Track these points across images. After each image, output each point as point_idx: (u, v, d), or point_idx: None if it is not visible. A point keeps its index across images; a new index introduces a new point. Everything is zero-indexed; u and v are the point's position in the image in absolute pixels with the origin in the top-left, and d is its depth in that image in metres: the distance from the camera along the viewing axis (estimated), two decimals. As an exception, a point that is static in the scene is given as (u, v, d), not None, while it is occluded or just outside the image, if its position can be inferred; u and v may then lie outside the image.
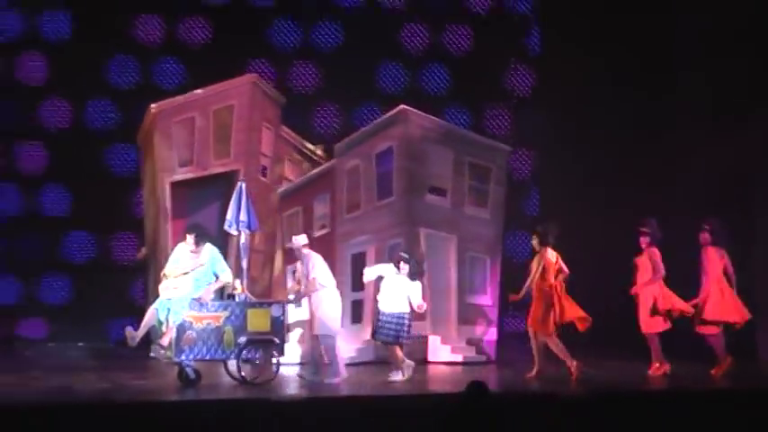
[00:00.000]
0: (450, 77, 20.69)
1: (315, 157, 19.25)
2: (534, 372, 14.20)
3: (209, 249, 13.78)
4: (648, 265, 14.63)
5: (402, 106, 17.15)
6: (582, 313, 14.08)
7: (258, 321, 13.57)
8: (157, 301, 13.68)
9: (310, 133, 20.07)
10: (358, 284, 16.32)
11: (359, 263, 16.86)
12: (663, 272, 14.49)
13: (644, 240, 14.70)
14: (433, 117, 17.60)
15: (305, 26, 20.33)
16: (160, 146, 18.10)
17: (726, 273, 14.37)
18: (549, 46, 20.83)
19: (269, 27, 20.12)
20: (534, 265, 14.41)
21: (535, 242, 14.52)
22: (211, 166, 17.96)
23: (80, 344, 18.66)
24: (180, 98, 18.11)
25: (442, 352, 16.62)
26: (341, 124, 20.23)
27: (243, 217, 14.37)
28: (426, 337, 16.69)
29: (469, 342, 16.91)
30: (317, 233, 17.96)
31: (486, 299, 17.37)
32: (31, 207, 19.61)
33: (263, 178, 18.18)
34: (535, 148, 19.89)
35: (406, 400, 12.76)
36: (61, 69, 19.25)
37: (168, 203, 17.87)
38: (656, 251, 14.60)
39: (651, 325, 14.53)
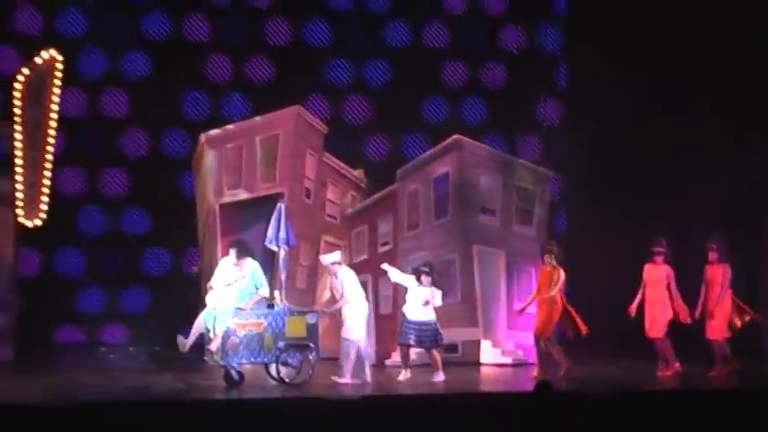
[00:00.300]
0: (487, 109, 21.04)
1: (355, 180, 19.35)
2: (563, 371, 14.63)
3: (251, 264, 14.17)
4: (663, 280, 15.03)
5: (456, 136, 17.62)
6: (580, 323, 14.80)
7: (295, 328, 13.84)
8: (205, 310, 14.06)
9: (359, 160, 20.00)
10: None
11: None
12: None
13: (660, 258, 15.11)
14: (484, 145, 18.13)
15: (357, 64, 20.79)
16: (210, 171, 18.31)
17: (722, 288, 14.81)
18: (574, 81, 21.11)
19: (324, 65, 20.62)
20: (544, 279, 14.97)
21: (549, 258, 14.98)
22: (258, 189, 18.00)
23: (156, 348, 18.92)
24: (230, 127, 18.47)
25: (492, 355, 16.95)
26: (389, 152, 20.76)
27: (282, 234, 14.59)
28: (479, 342, 17.18)
29: (517, 346, 17.24)
30: (381, 249, 18.19)
31: (531, 307, 17.15)
32: (113, 226, 20.01)
33: (306, 200, 18.24)
34: (563, 173, 19.98)
35: (459, 398, 13.20)
36: (140, 103, 19.74)
37: (218, 223, 18.05)
38: (670, 268, 15.08)
39: (657, 329, 14.98)
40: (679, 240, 16.48)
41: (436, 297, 14.44)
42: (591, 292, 17.22)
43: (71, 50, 18.97)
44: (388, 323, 17.85)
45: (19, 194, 17.04)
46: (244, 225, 17.45)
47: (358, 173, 19.38)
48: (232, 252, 14.37)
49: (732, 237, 16.19)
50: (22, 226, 17.32)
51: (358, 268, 17.38)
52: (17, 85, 17.12)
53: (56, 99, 17.16)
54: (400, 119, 20.74)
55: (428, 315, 14.39)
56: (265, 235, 14.80)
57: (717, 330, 14.90)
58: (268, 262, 15.23)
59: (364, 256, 18.38)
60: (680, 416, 11.59)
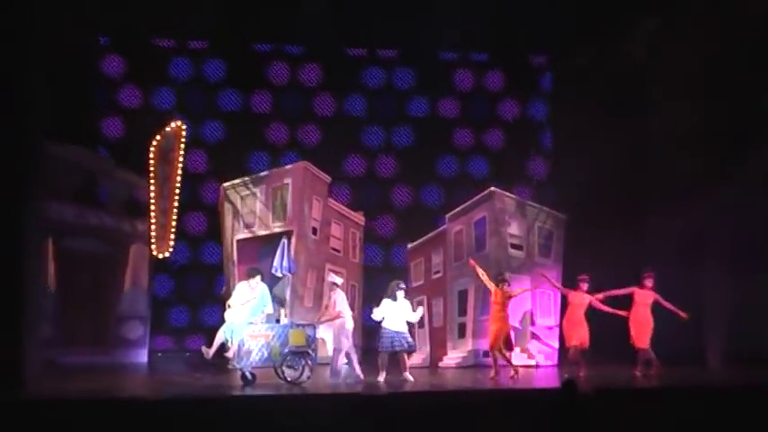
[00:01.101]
0: (489, 166, 22.06)
1: (356, 220, 19.54)
2: (493, 374, 14.82)
3: (261, 287, 14.46)
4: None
5: (491, 188, 18.32)
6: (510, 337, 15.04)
7: (297, 339, 14.09)
8: (224, 324, 14.26)
9: (386, 206, 20.92)
10: (462, 311, 17.69)
11: (463, 297, 17.68)
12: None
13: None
14: (513, 195, 18.62)
15: (386, 130, 21.86)
16: (229, 213, 18.59)
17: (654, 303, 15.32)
18: (557, 144, 22.00)
19: (361, 130, 21.76)
20: (497, 299, 15.05)
21: (503, 285, 15.20)
22: (271, 227, 18.04)
23: (158, 354, 19.82)
24: (249, 178, 18.62)
25: (520, 358, 17.24)
26: (412, 199, 21.80)
27: (285, 263, 15.33)
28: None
29: (540, 352, 17.75)
30: (434, 276, 18.81)
31: (550, 321, 18.10)
32: (195, 257, 21.00)
33: (313, 236, 18.22)
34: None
35: (498, 393, 13.52)
36: (216, 161, 20.73)
37: (235, 255, 18.23)
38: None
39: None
40: (638, 269, 16.62)
41: (417, 312, 14.65)
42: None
43: (162, 119, 19.15)
44: (439, 333, 18.66)
45: (153, 233, 17.83)
46: (259, 256, 17.53)
47: (358, 214, 19.78)
48: (247, 277, 14.67)
49: (679, 266, 17.08)
50: (154, 258, 18.13)
51: (416, 291, 18.72)
52: (152, 149, 17.97)
53: (181, 159, 18.00)
54: (420, 173, 21.78)
55: (403, 326, 14.49)
56: (271, 264, 15.36)
57: (643, 340, 15.38)
58: (275, 285, 15.61)
59: (421, 282, 19.20)
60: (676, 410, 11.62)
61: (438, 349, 18.44)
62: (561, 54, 21.37)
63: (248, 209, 18.40)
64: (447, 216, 19.00)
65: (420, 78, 21.95)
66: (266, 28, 19.82)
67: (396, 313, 14.48)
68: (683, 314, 15.40)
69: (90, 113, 20.08)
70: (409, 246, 19.75)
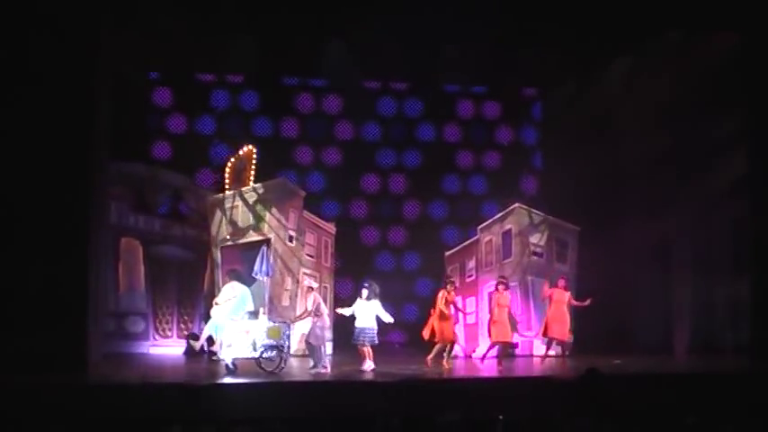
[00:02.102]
0: (487, 184, 22.05)
1: (328, 230, 19.11)
2: (429, 359, 15.01)
3: (242, 288, 14.77)
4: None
5: (516, 204, 18.72)
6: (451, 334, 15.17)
7: (273, 334, 14.06)
8: (210, 320, 14.68)
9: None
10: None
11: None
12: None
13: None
14: (535, 210, 18.73)
15: (398, 152, 21.81)
16: (214, 222, 18.31)
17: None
18: (546, 164, 22.06)
19: (376, 153, 21.56)
20: (439, 301, 15.26)
21: (450, 287, 15.51)
22: (252, 236, 17.76)
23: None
24: (231, 192, 18.22)
25: (541, 349, 17.51)
26: (420, 213, 21.74)
27: (264, 268, 14.96)
28: (532, 341, 18.07)
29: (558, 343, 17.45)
30: (467, 279, 18.93)
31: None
32: None
33: (290, 243, 17.83)
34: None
35: (521, 379, 14.13)
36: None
37: (219, 259, 18.00)
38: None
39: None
40: (614, 272, 18.26)
41: (379, 309, 14.48)
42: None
43: (205, 143, 20.56)
44: (472, 329, 18.70)
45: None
46: (241, 261, 17.18)
47: (329, 225, 19.27)
48: (229, 279, 15.02)
49: (650, 270, 18.15)
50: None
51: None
52: (227, 169, 18.56)
53: (252, 177, 18.30)
54: (428, 191, 21.80)
55: (372, 323, 14.41)
56: (252, 268, 15.33)
57: (564, 333, 16.04)
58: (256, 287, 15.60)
59: (456, 284, 18.03)
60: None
61: (472, 342, 18.58)
62: (549, 87, 21.52)
63: (232, 219, 18.17)
64: (479, 228, 19.25)
65: (427, 108, 22.01)
66: (294, 64, 19.87)
67: (362, 311, 14.49)
68: (585, 303, 16.15)
69: (143, 138, 20.40)
70: (447, 253, 19.88)
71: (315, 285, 15.30)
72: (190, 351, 17.17)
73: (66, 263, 13.54)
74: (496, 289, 16.07)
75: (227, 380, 13.30)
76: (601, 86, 19.45)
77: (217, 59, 19.16)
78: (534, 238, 18.55)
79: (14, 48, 13.54)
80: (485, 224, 19.16)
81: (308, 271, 18.04)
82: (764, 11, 15.62)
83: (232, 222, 18.16)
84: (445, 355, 15.31)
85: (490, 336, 16.05)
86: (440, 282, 17.12)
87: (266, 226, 17.74)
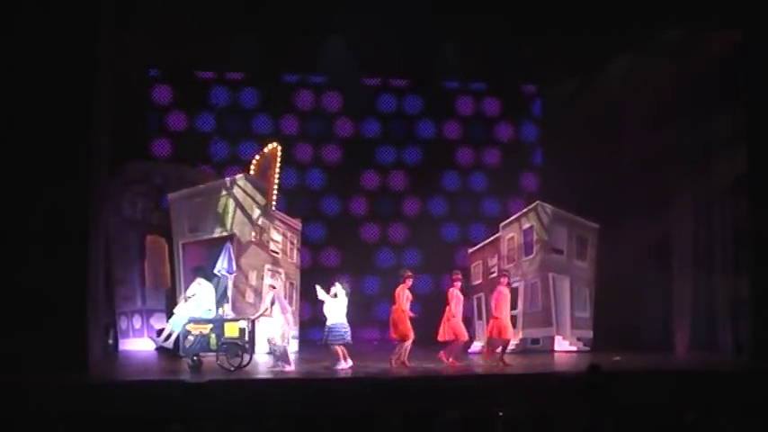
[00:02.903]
0: (487, 181, 22.16)
1: (293, 225, 18.87)
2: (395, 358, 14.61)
3: (205, 284, 14.91)
4: (460, 296, 15.47)
5: (537, 202, 18.77)
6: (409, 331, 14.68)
7: (231, 331, 14.19)
8: (172, 318, 14.87)
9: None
10: (513, 305, 17.11)
11: (514, 294, 17.46)
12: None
13: (458, 284, 15.53)
14: (556, 208, 18.58)
15: (398, 149, 21.74)
16: (174, 219, 18.15)
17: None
18: (546, 161, 22.17)
19: (376, 150, 21.58)
20: (401, 297, 14.93)
21: (408, 281, 15.09)
22: (215, 232, 17.68)
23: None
24: (191, 189, 18.16)
25: (562, 345, 18.00)
26: (419, 209, 21.72)
27: (225, 265, 15.08)
28: (553, 337, 18.14)
29: (579, 339, 18.17)
30: (490, 276, 18.83)
31: (586, 314, 18.47)
32: None
33: (254, 239, 17.73)
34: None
35: (544, 375, 14.12)
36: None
37: (181, 255, 17.92)
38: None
39: (463, 333, 15.40)
40: (615, 270, 18.29)
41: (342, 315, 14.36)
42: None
43: (205, 140, 20.56)
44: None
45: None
46: (205, 258, 17.06)
47: (295, 221, 19.02)
48: (195, 275, 15.13)
49: (651, 269, 18.12)
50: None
51: (476, 288, 19.12)
52: (252, 166, 18.55)
53: (276, 175, 18.57)
54: (428, 187, 21.86)
55: (341, 321, 14.28)
56: (215, 265, 15.40)
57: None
58: (220, 285, 15.61)
59: (479, 281, 19.29)
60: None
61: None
62: (549, 84, 21.57)
63: (195, 215, 18.08)
64: (501, 225, 19.21)
65: (427, 104, 22.01)
66: (293, 61, 19.86)
67: (331, 309, 14.41)
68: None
69: (143, 135, 20.38)
70: (469, 250, 19.93)
71: (275, 283, 15.31)
72: (160, 348, 17.12)
73: (66, 262, 13.50)
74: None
75: (228, 377, 13.37)
76: (601, 84, 19.49)
77: (217, 57, 19.16)
78: (554, 236, 18.60)
79: (14, 45, 13.49)
80: (507, 221, 19.19)
81: (272, 267, 17.95)
82: (764, 9, 15.68)
83: (194, 219, 18.07)
84: (403, 352, 14.84)
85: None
86: (441, 278, 17.37)
87: (230, 222, 17.68)
